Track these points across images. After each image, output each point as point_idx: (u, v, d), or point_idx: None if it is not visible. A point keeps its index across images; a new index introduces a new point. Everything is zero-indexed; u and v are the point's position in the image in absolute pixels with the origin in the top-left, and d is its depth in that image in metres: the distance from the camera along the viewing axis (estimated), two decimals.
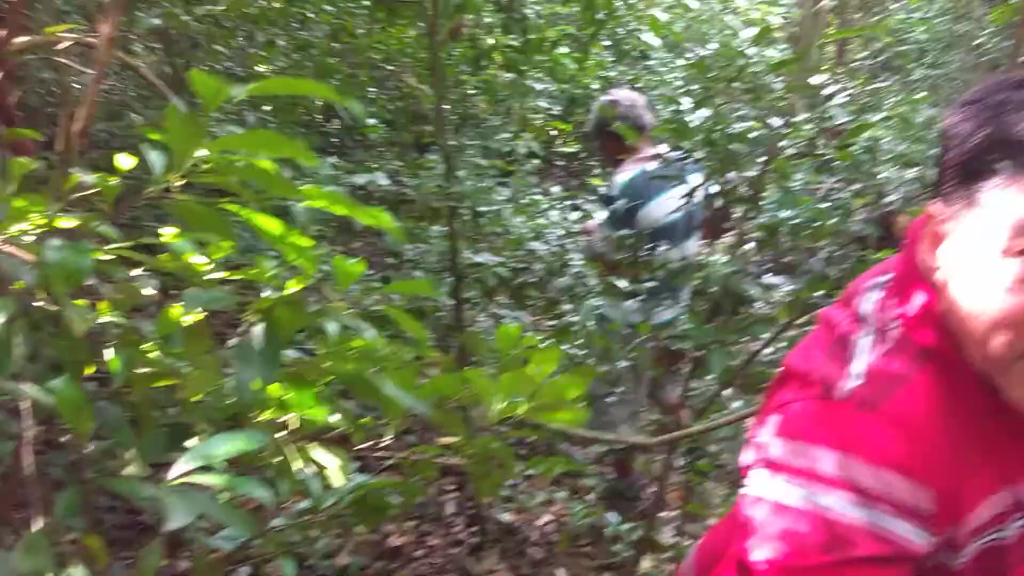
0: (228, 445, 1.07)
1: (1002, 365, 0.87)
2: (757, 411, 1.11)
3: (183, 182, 1.12)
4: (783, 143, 2.51)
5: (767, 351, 2.58)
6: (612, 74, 6.88)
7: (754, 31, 2.53)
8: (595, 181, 6.39)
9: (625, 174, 3.33)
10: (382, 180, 2.46)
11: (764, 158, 2.58)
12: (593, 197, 4.14)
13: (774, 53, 10.72)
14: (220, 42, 3.26)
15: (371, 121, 3.28)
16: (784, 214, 2.70)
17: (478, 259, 3.19)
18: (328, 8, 3.26)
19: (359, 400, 1.39)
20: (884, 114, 2.84)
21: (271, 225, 1.14)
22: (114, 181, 1.09)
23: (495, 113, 4.33)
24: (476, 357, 1.58)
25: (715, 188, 2.48)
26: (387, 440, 1.34)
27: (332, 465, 1.31)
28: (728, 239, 2.80)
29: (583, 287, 2.77)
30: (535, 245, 3.01)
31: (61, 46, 1.56)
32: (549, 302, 2.95)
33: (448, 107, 4.16)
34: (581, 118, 7.48)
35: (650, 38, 3.76)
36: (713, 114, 2.49)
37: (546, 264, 2.92)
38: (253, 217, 1.18)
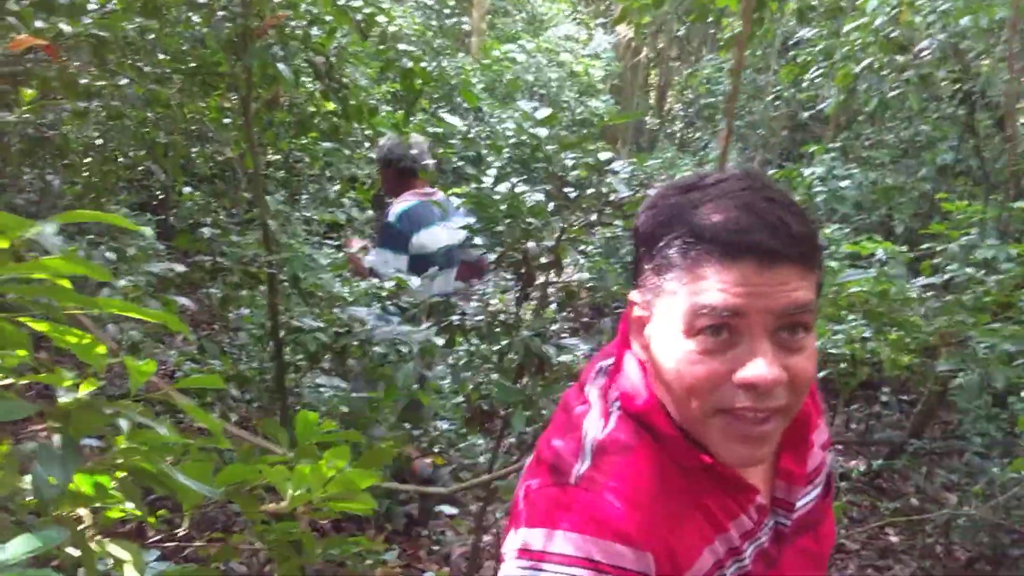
0: (24, 546, 1.11)
1: (699, 423, 1.06)
2: (517, 485, 1.25)
3: None
4: (575, 215, 2.76)
5: None
6: (438, 131, 7.11)
7: (546, 112, 2.76)
8: None
9: (404, 203, 3.86)
10: (178, 268, 2.50)
11: (561, 227, 2.82)
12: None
13: (598, 104, 11.25)
14: (30, 113, 3.18)
15: (187, 190, 3.29)
16: (582, 276, 2.94)
17: (299, 323, 3.24)
18: (143, 67, 3.25)
19: (156, 490, 1.44)
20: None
21: (65, 334, 1.21)
22: None
23: (320, 175, 4.41)
24: (276, 444, 1.66)
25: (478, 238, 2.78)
26: (183, 529, 1.40)
27: (126, 558, 1.36)
28: (532, 302, 3.01)
29: (399, 351, 2.89)
30: (355, 309, 3.10)
31: None
32: (371, 365, 3.05)
33: (273, 171, 4.21)
34: None
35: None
36: (511, 189, 2.70)
37: (365, 328, 3.03)
38: (42, 327, 1.24)
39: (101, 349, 1.37)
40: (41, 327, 1.30)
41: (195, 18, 3.46)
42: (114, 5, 2.80)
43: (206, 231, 3.29)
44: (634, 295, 1.11)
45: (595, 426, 1.14)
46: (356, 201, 4.86)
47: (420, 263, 3.87)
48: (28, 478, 1.32)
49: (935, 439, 4.96)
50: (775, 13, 4.19)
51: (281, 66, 3.07)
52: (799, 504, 1.18)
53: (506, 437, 2.84)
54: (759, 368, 0.99)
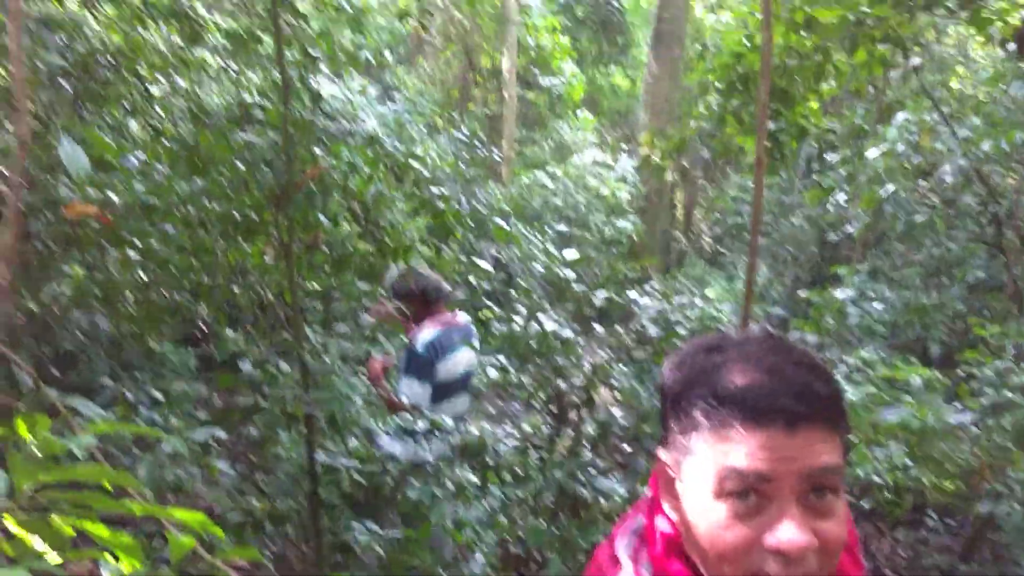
0: None
1: None
2: None
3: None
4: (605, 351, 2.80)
5: None
6: (467, 260, 7.28)
7: (574, 254, 2.86)
8: None
9: (429, 332, 3.98)
10: (220, 434, 2.58)
11: (590, 364, 2.86)
12: None
13: (625, 224, 11.42)
14: (76, 261, 3.36)
15: (229, 332, 3.40)
16: (616, 413, 2.95)
17: (333, 463, 3.27)
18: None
19: None
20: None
21: (102, 532, 1.26)
22: None
23: (355, 311, 4.53)
24: None
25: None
26: None
27: None
28: (566, 441, 3.01)
29: (431, 496, 2.89)
30: (386, 442, 3.13)
31: None
32: (406, 503, 3.04)
33: (315, 305, 4.33)
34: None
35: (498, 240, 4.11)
36: (541, 330, 2.76)
37: (401, 467, 3.04)
38: (87, 526, 1.29)
39: (136, 548, 1.41)
40: (92, 528, 1.36)
41: (240, 166, 3.68)
42: (162, 166, 2.99)
43: (246, 368, 3.37)
44: (662, 454, 1.12)
45: None
46: (390, 333, 4.95)
47: (442, 388, 3.98)
48: None
49: (985, 562, 4.75)
50: (793, 146, 4.32)
51: (321, 216, 3.22)
52: None
53: None
54: (789, 533, 0.99)
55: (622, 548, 1.20)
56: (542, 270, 2.96)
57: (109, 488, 1.23)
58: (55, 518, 1.20)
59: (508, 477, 2.96)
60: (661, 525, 1.16)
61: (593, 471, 2.65)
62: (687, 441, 1.06)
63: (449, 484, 3.14)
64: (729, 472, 1.01)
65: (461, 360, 4.05)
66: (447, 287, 4.23)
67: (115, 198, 2.43)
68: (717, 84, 4.29)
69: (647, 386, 2.75)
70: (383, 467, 3.24)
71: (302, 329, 3.46)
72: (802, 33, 4.15)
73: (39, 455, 1.15)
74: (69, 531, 1.23)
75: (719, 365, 1.06)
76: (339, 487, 3.25)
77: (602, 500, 2.72)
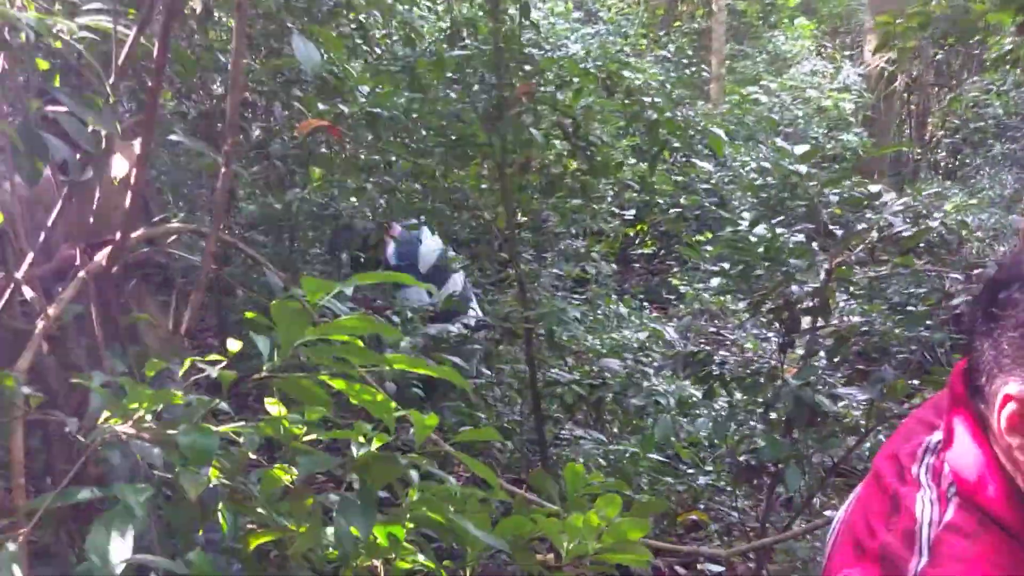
0: None
1: None
2: (824, 568, 1.12)
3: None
4: (846, 252, 2.58)
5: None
6: (681, 178, 7.05)
7: (805, 148, 2.63)
8: (675, 280, 6.49)
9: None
10: (452, 329, 2.65)
11: (827, 268, 2.65)
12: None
13: (850, 138, 10.63)
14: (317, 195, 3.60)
15: (451, 253, 3.51)
16: (854, 319, 2.74)
17: (555, 376, 3.31)
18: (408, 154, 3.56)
19: (443, 542, 1.50)
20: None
21: (362, 393, 1.32)
22: (227, 368, 1.28)
23: (568, 229, 4.53)
24: (545, 494, 1.68)
25: None
26: None
27: None
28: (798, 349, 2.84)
29: (657, 403, 2.84)
30: (608, 362, 3.11)
31: (172, 238, 1.81)
32: (627, 417, 3.03)
33: (523, 232, 4.39)
34: (657, 218, 7.65)
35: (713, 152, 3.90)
36: (771, 230, 2.59)
37: (620, 380, 3.02)
38: (342, 385, 1.35)
39: (391, 405, 1.47)
40: (338, 385, 1.42)
41: (452, 95, 3.75)
42: (382, 89, 3.09)
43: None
44: (1012, 388, 0.92)
45: (930, 515, 1.00)
46: (602, 254, 4.91)
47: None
48: (330, 530, 1.43)
49: None
50: None
51: (533, 131, 3.20)
52: None
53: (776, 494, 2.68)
54: None
55: (919, 468, 1.05)
56: (757, 177, 2.77)
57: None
58: (307, 381, 1.26)
59: (736, 391, 2.84)
60: (969, 445, 1.00)
61: (831, 381, 2.48)
62: None
63: (670, 399, 3.09)
64: None
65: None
66: None
67: (344, 108, 2.54)
68: None
69: (892, 291, 2.53)
70: (603, 381, 3.23)
71: (517, 249, 3.50)
72: None
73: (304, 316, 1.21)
74: (322, 393, 1.29)
75: None
76: (562, 400, 3.29)
77: (840, 411, 2.55)
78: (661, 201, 6.30)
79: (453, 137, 3.59)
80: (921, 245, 2.63)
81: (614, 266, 5.30)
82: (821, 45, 14.27)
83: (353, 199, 3.55)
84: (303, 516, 1.35)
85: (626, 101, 3.71)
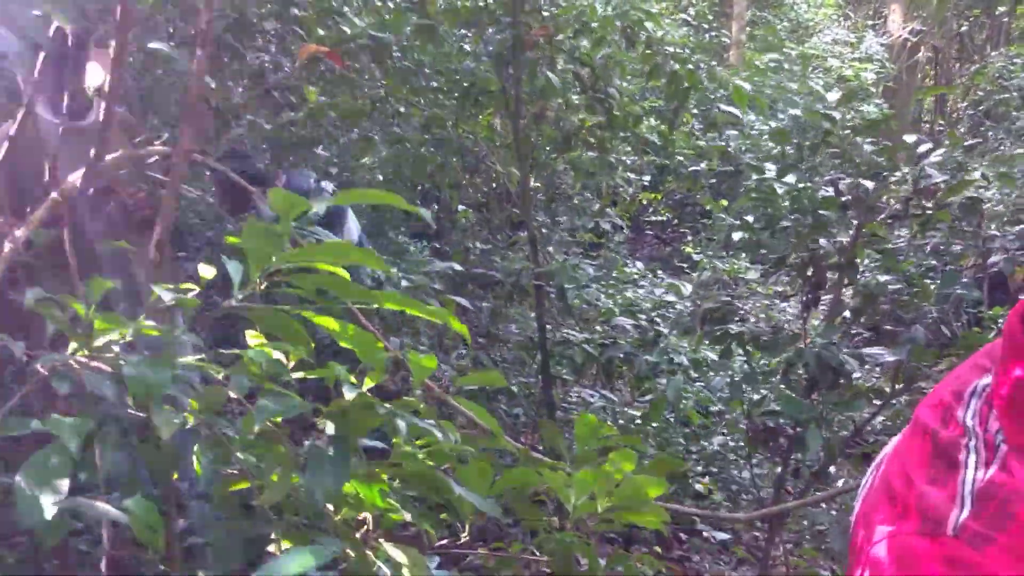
0: (298, 562, 1.08)
1: None
2: (855, 522, 1.04)
3: (263, 290, 1.17)
4: (878, 205, 2.43)
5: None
6: (701, 143, 6.86)
7: (838, 94, 2.47)
8: (687, 248, 6.33)
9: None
10: (457, 267, 2.51)
11: (856, 222, 2.50)
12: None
13: (870, 109, 10.41)
14: (321, 141, 3.43)
15: (461, 207, 3.37)
16: (882, 278, 2.60)
17: (567, 335, 3.18)
18: (419, 100, 3.41)
19: (428, 499, 1.38)
20: (985, 167, 2.71)
21: (343, 329, 1.17)
22: (193, 294, 1.14)
23: (583, 189, 4.37)
24: (555, 448, 1.55)
25: None
26: (464, 537, 1.32)
27: (405, 562, 1.30)
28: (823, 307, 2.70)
29: (669, 363, 2.71)
30: (621, 321, 2.97)
31: (150, 160, 1.68)
32: (638, 378, 2.90)
33: (537, 186, 4.23)
34: (672, 186, 7.48)
35: (736, 108, 3.72)
36: (799, 181, 2.44)
37: (632, 340, 2.88)
38: (325, 322, 1.21)
39: (380, 346, 1.33)
40: (324, 322, 1.27)
41: (466, 46, 3.59)
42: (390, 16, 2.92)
43: (478, 245, 3.35)
44: None
45: (972, 463, 0.90)
46: (616, 216, 4.76)
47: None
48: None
49: None
50: None
51: (550, 75, 3.04)
52: None
53: (793, 459, 2.56)
54: None
55: (964, 413, 0.95)
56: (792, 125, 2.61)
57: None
58: (281, 310, 1.13)
59: (754, 351, 2.70)
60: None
61: (856, 340, 2.34)
62: None
63: (684, 358, 2.95)
64: None
65: None
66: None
67: (346, 29, 2.39)
68: None
69: (925, 246, 2.38)
70: (614, 340, 3.10)
71: (530, 204, 3.35)
72: None
73: (277, 234, 1.06)
74: (298, 327, 1.15)
75: None
76: (572, 361, 3.16)
77: (863, 374, 2.41)
78: (680, 161, 6.10)
79: (465, 84, 3.43)
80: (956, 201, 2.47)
81: (627, 231, 5.15)
82: (844, 14, 13.94)
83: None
84: (273, 465, 1.22)
85: (647, 51, 3.54)
